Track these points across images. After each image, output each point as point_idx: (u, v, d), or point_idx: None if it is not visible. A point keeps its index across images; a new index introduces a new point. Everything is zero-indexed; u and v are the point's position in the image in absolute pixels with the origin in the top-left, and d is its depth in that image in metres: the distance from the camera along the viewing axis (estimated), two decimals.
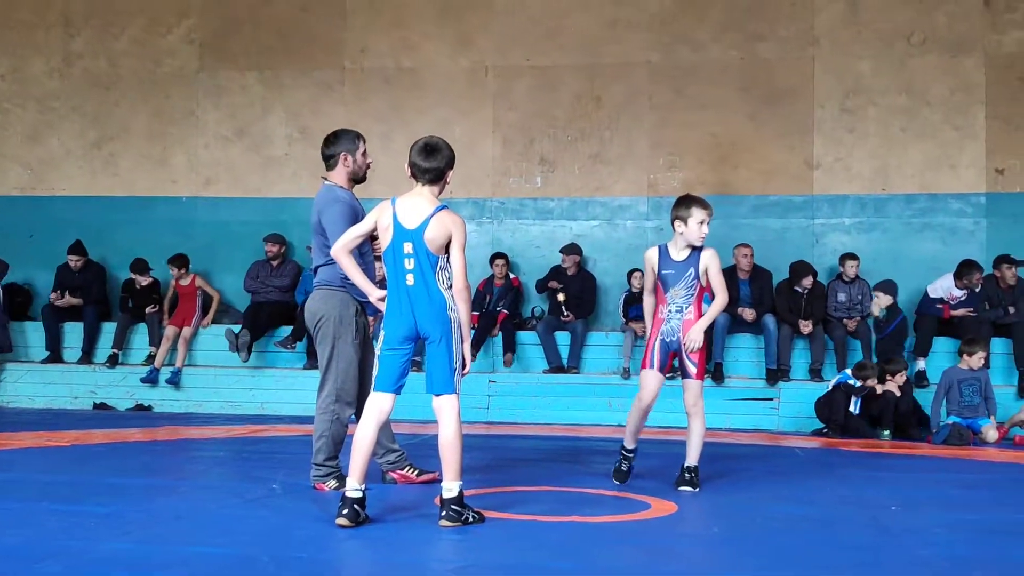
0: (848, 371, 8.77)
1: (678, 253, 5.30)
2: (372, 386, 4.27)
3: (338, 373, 4.96)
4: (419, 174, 4.29)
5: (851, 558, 3.65)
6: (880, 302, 9.10)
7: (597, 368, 10.11)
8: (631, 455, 5.42)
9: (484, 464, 5.90)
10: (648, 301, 5.46)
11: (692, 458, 5.25)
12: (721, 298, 5.29)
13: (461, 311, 4.19)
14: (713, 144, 10.85)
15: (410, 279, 4.16)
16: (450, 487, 4.11)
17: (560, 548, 3.76)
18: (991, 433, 8.24)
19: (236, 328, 10.16)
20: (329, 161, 5.20)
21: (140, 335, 10.75)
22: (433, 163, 4.27)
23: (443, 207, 4.23)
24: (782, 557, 3.69)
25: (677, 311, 5.26)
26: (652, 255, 5.37)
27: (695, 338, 5.18)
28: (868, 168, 10.62)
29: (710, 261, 5.28)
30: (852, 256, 9.92)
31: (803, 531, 4.19)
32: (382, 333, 4.25)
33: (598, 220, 11.05)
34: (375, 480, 4.93)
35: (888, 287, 9.44)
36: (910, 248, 10.50)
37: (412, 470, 5.29)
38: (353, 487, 4.08)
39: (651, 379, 5.27)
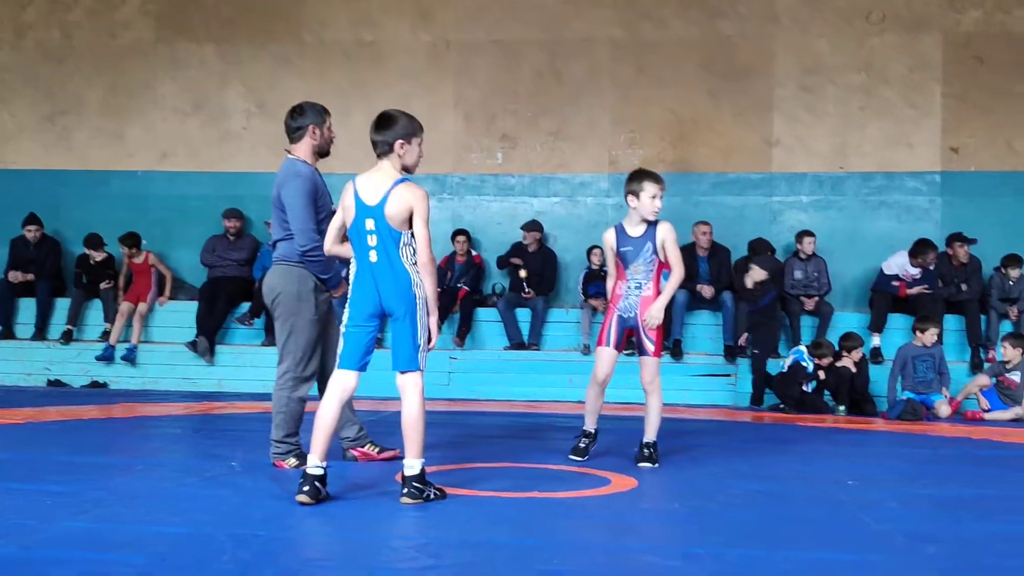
0: (802, 348, 8.85)
1: (634, 229, 5.32)
2: (336, 363, 4.23)
3: (295, 349, 4.91)
4: (375, 148, 4.23)
5: (808, 533, 3.70)
6: (754, 275, 9.13)
7: (557, 345, 10.13)
8: (590, 437, 5.44)
9: (445, 441, 5.89)
10: (610, 283, 5.48)
11: (650, 434, 5.30)
12: (678, 272, 5.30)
13: (426, 285, 4.14)
14: (673, 121, 10.87)
15: (373, 256, 4.11)
16: (412, 464, 4.09)
17: (521, 524, 3.77)
18: (943, 408, 8.38)
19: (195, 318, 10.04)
20: (295, 134, 5.10)
21: (95, 311, 10.59)
22: (384, 135, 4.20)
23: (402, 180, 4.17)
24: (741, 532, 3.73)
25: (636, 288, 5.27)
26: (609, 236, 5.39)
27: (655, 315, 5.20)
28: (826, 146, 10.70)
29: (666, 234, 5.30)
30: (808, 233, 10.02)
31: (761, 506, 4.23)
32: (347, 310, 4.21)
33: (559, 197, 11.05)
34: (336, 457, 4.91)
35: (764, 262, 9.43)
36: (866, 226, 10.61)
37: (373, 447, 5.26)
38: (314, 464, 4.06)
39: (605, 356, 5.31)
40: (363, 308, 4.16)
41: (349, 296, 4.22)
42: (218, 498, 4.17)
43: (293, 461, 4.91)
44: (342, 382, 4.20)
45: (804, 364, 8.67)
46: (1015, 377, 8.48)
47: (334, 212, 4.91)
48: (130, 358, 10.08)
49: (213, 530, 3.48)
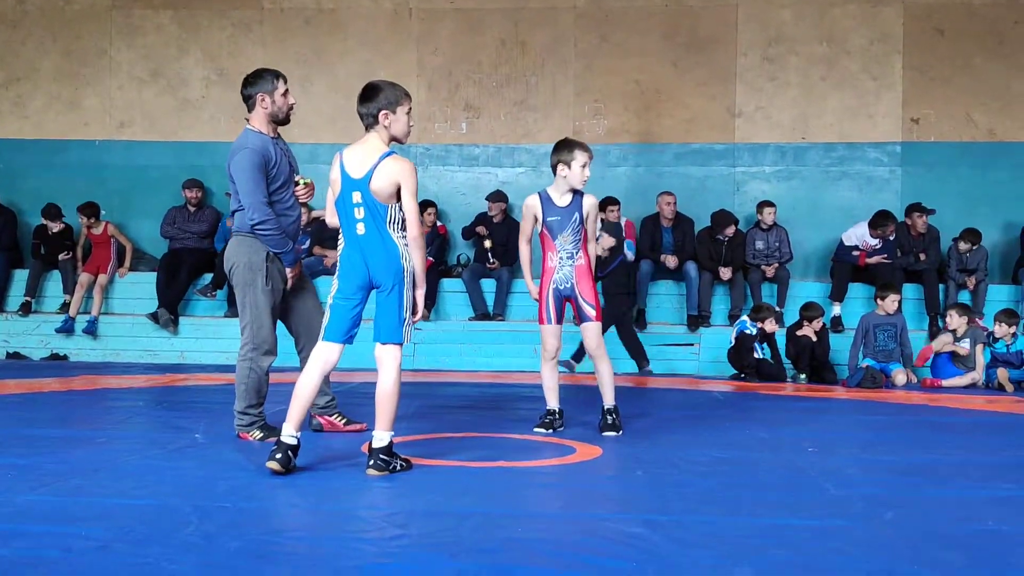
0: (745, 318, 8.92)
1: (561, 198, 5.27)
2: (321, 335, 4.19)
3: (252, 321, 4.87)
4: (361, 120, 4.17)
5: (770, 500, 3.75)
6: (603, 243, 9.18)
7: (522, 315, 10.15)
8: (555, 414, 5.43)
9: (410, 412, 5.89)
10: (524, 250, 5.42)
11: (608, 399, 5.31)
12: (592, 247, 5.34)
13: (415, 259, 4.10)
14: (637, 91, 10.87)
15: (360, 228, 4.06)
16: (381, 436, 4.08)
17: (486, 493, 3.79)
18: (900, 377, 8.53)
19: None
20: (248, 103, 4.99)
21: (54, 283, 10.46)
22: (367, 107, 4.13)
23: (389, 154, 4.10)
24: (703, 499, 3.77)
25: (568, 258, 5.24)
26: (534, 202, 5.30)
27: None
28: (788, 117, 10.76)
29: (591, 208, 5.29)
30: (769, 204, 10.10)
31: (723, 474, 4.28)
32: (335, 282, 4.17)
33: (524, 167, 11.03)
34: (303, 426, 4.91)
35: (612, 229, 9.42)
36: (828, 196, 10.71)
37: (340, 418, 5.25)
38: (289, 433, 4.04)
39: (549, 332, 5.29)
40: (351, 280, 4.12)
41: (337, 268, 4.18)
42: (182, 470, 4.15)
43: (257, 433, 4.89)
44: (325, 354, 4.17)
45: (748, 332, 8.76)
46: (965, 345, 8.63)
47: (296, 181, 4.90)
48: (91, 330, 9.97)
49: (177, 502, 3.46)
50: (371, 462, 4.06)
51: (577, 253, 5.25)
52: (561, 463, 4.46)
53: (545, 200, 5.29)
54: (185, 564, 2.72)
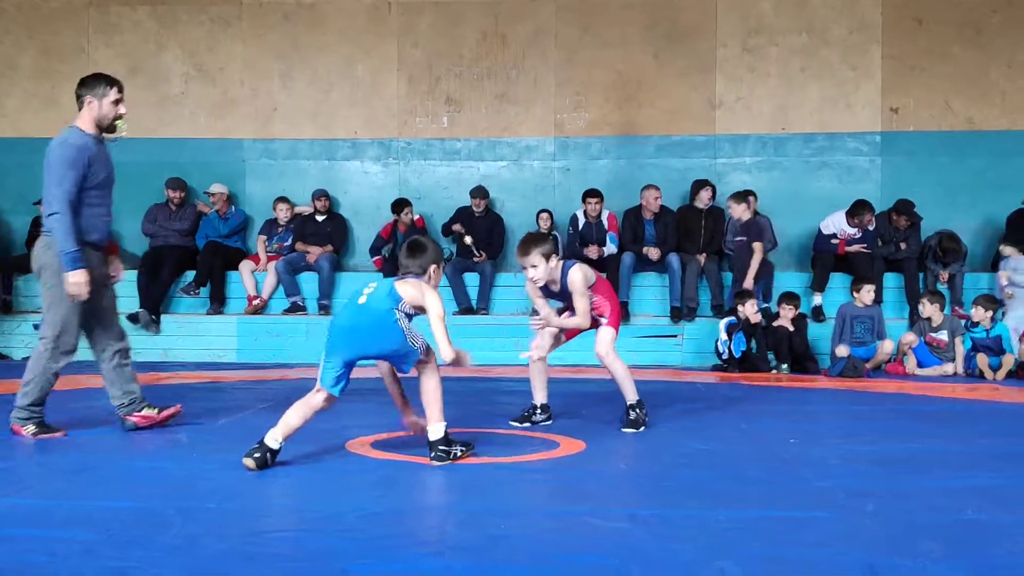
0: (734, 317, 8.95)
1: (553, 286, 5.29)
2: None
3: (53, 322, 4.86)
4: (401, 267, 4.44)
5: (752, 492, 3.78)
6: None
7: (506, 309, 10.16)
8: (534, 410, 5.45)
9: (394, 407, 5.88)
10: (540, 303, 5.41)
11: (628, 397, 5.27)
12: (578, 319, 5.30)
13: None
14: (618, 83, 10.88)
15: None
16: (435, 429, 4.27)
17: (471, 489, 3.80)
18: (887, 345, 8.61)
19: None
20: (78, 102, 5.01)
21: (33, 282, 10.38)
22: (415, 261, 4.37)
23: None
24: (685, 492, 3.79)
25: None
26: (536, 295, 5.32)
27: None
28: (768, 107, 10.79)
29: (575, 281, 5.20)
30: (749, 193, 10.12)
31: (706, 466, 4.31)
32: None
33: (505, 161, 11.03)
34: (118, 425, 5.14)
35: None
36: (808, 186, 10.76)
37: (151, 409, 5.25)
38: (273, 438, 4.15)
39: (545, 332, 5.32)
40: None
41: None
42: (164, 471, 4.14)
43: (32, 428, 4.90)
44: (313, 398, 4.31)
45: (736, 324, 8.82)
46: (943, 336, 8.69)
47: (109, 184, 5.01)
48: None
49: (160, 504, 3.46)
50: (432, 454, 4.23)
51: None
52: (545, 458, 4.48)
53: (546, 293, 5.28)
54: (169, 567, 2.72)
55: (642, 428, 5.21)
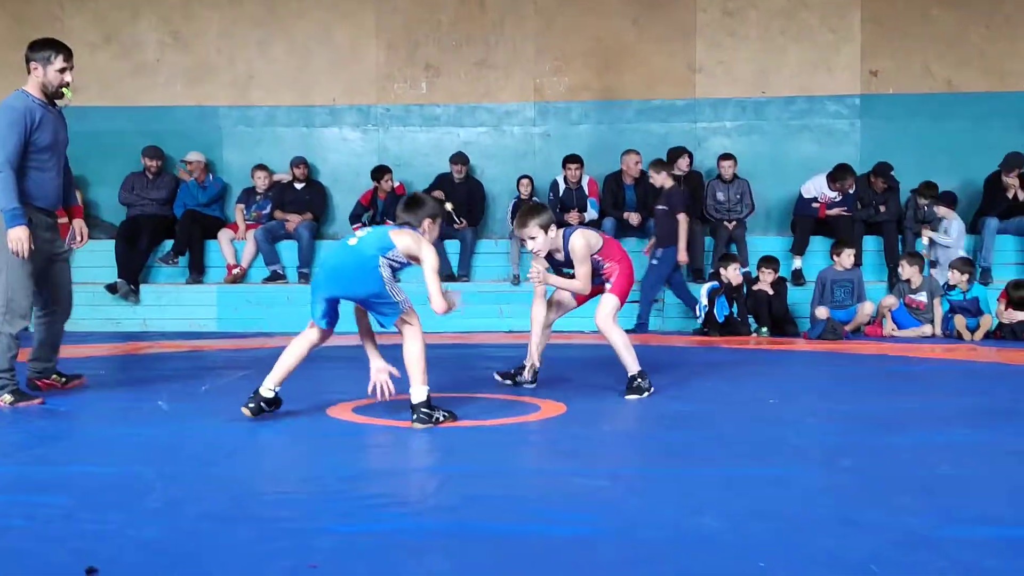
0: (716, 282, 8.98)
1: (557, 254, 5.23)
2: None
3: (7, 286, 4.85)
4: (398, 220, 4.53)
5: (732, 451, 3.81)
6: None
7: (487, 275, 10.16)
8: (520, 370, 5.45)
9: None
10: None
11: (630, 368, 5.12)
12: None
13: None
14: (598, 49, 10.83)
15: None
16: (416, 392, 4.30)
17: (451, 452, 3.81)
18: (867, 307, 8.69)
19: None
20: (27, 65, 5.05)
21: None
22: (412, 214, 4.45)
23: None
24: (666, 451, 3.82)
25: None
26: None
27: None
28: (748, 71, 10.77)
29: (577, 247, 5.12)
30: (727, 157, 10.14)
31: (686, 426, 4.34)
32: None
33: (485, 127, 10.98)
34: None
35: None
36: (788, 150, 10.77)
37: (59, 378, 5.38)
38: (267, 387, 4.38)
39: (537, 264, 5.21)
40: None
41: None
42: (145, 437, 4.14)
43: (8, 397, 4.87)
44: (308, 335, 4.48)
45: (718, 288, 8.86)
46: (922, 298, 8.76)
47: (53, 149, 5.01)
48: None
49: (141, 469, 3.45)
50: (414, 417, 4.26)
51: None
52: (526, 420, 4.49)
53: (553, 264, 5.23)
54: (150, 530, 2.72)
55: (645, 395, 5.05)
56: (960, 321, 8.53)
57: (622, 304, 5.20)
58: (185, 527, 2.76)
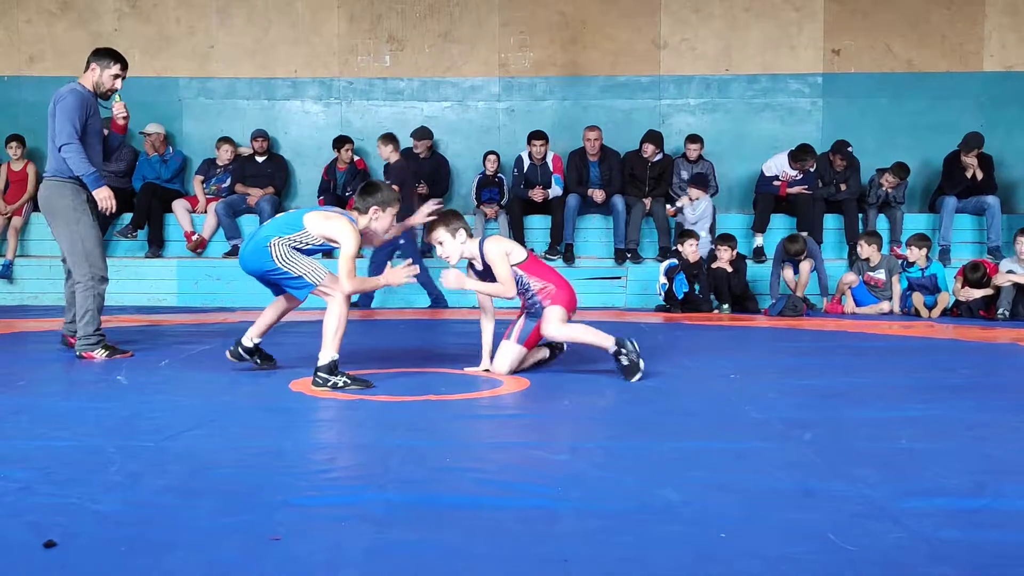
0: (674, 260, 9.04)
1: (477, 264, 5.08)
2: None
3: (85, 251, 5.50)
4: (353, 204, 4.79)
5: (693, 424, 3.84)
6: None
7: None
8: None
9: (341, 349, 5.86)
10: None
11: (607, 348, 4.87)
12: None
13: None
14: (563, 23, 10.79)
15: None
16: (322, 355, 4.46)
17: (414, 426, 3.81)
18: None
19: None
20: (86, 65, 5.71)
21: None
22: (361, 199, 4.67)
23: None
24: (628, 425, 3.84)
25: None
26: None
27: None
28: (712, 48, 10.79)
29: (490, 254, 4.92)
30: (695, 139, 10.18)
31: (649, 401, 4.36)
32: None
33: (449, 101, 10.92)
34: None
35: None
36: (751, 128, 10.82)
37: None
38: (249, 337, 4.91)
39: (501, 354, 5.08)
40: None
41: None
42: (104, 411, 4.09)
43: (102, 352, 5.54)
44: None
45: (675, 266, 8.92)
46: (880, 275, 8.86)
47: (103, 136, 5.74)
48: (6, 274, 9.71)
49: (100, 443, 3.42)
50: (313, 379, 4.46)
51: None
52: (488, 395, 4.50)
53: (478, 275, 5.01)
54: (109, 503, 2.69)
55: (639, 372, 4.78)
56: (918, 299, 8.64)
57: (569, 313, 4.96)
58: (145, 500, 2.74)
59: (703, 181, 9.79)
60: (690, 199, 9.69)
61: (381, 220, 4.67)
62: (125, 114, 5.80)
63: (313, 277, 4.53)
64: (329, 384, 4.42)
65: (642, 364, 4.82)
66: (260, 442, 3.54)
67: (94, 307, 5.54)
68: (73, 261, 5.55)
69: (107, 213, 5.64)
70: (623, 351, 4.83)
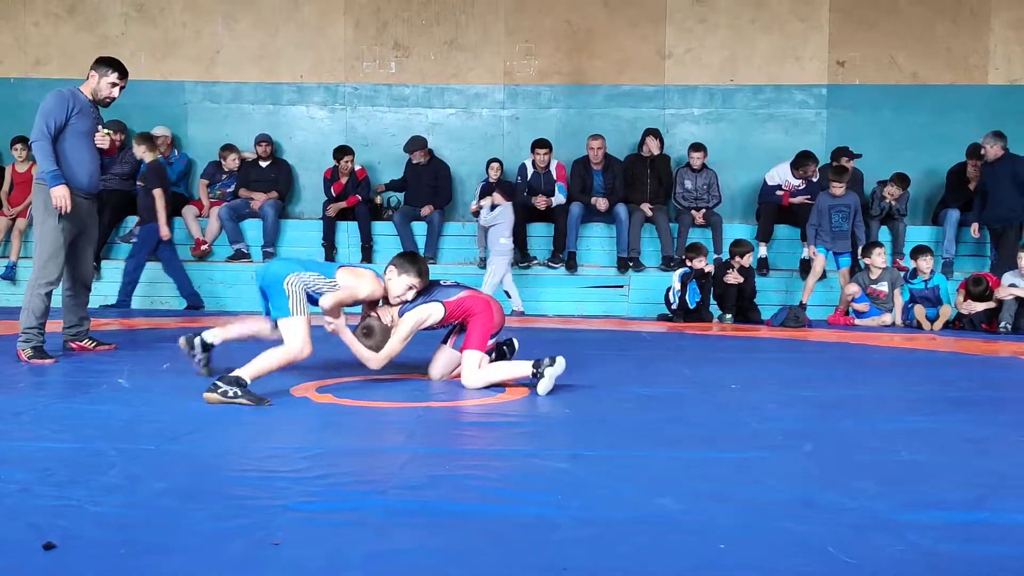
0: (688, 268, 9.03)
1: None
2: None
3: (43, 252, 5.56)
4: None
5: (693, 434, 3.83)
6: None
7: (454, 258, 10.15)
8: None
9: (338, 354, 5.87)
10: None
11: (529, 373, 4.76)
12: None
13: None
14: (568, 32, 10.82)
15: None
16: (240, 370, 4.31)
17: (414, 432, 3.81)
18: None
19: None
20: (88, 73, 5.78)
21: None
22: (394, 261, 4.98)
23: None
24: (628, 434, 3.84)
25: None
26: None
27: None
28: (717, 59, 10.81)
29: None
30: (697, 148, 10.18)
31: (650, 410, 4.36)
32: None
33: (454, 108, 10.94)
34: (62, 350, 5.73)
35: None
36: (755, 138, 10.83)
37: (90, 342, 6.00)
38: (211, 334, 4.87)
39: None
40: None
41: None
42: (105, 413, 4.09)
43: (28, 351, 5.50)
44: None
45: (689, 273, 8.91)
46: (882, 287, 8.86)
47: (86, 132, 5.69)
48: (9, 276, 9.72)
49: (101, 445, 3.42)
50: (214, 386, 4.26)
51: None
52: (489, 402, 4.50)
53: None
54: (109, 506, 2.70)
55: (556, 371, 4.67)
56: (920, 311, 8.64)
57: (484, 350, 4.90)
58: (146, 503, 2.74)
59: (510, 190, 9.60)
60: (492, 203, 9.31)
61: (392, 286, 4.87)
62: (107, 146, 5.85)
63: (297, 312, 4.39)
64: (221, 392, 4.20)
65: (548, 372, 4.66)
66: (261, 446, 3.55)
67: (30, 307, 5.54)
68: (34, 260, 5.68)
69: (61, 213, 5.50)
70: (538, 370, 4.70)
